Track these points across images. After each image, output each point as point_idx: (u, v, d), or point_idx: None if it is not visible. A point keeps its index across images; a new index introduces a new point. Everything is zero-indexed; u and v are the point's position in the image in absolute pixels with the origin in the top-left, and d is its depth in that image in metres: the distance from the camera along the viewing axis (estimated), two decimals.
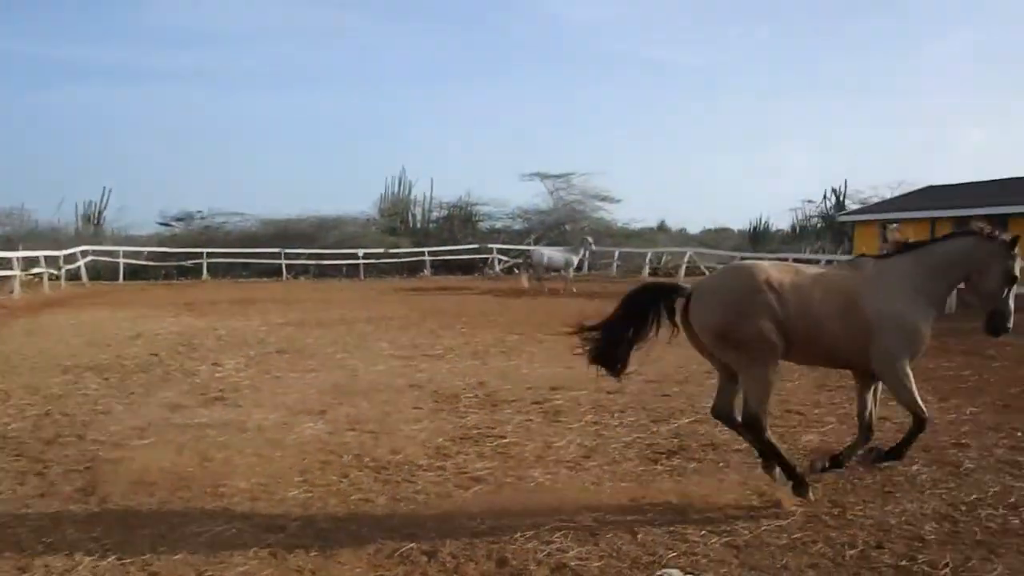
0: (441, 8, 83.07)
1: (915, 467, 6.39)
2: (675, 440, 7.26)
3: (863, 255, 6.13)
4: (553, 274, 25.82)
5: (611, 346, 5.86)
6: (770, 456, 5.66)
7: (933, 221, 27.05)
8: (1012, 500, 5.64)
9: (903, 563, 4.58)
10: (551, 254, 26.50)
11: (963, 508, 5.49)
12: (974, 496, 5.72)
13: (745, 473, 6.24)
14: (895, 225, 24.94)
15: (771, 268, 5.63)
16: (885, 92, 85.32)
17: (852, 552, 4.72)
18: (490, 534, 5.02)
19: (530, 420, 8.05)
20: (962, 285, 5.94)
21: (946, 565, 4.54)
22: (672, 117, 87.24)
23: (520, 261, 35.11)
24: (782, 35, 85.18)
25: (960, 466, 6.48)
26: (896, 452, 5.75)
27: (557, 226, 41.39)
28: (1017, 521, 5.24)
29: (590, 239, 27.63)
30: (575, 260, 26.20)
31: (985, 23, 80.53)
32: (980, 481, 6.09)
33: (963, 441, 7.22)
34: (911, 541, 4.90)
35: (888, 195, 39.08)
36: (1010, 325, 5.69)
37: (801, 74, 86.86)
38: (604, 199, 43.24)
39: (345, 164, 70.66)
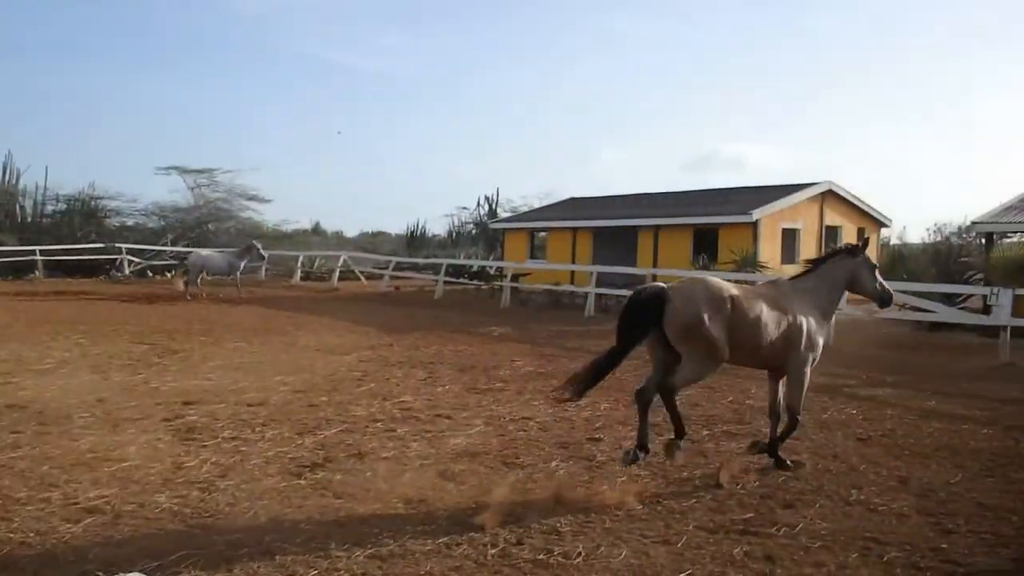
0: None
1: (554, 463, 6.92)
2: (321, 452, 7.13)
3: (780, 277, 7.47)
4: (192, 278, 24.45)
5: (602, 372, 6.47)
6: (674, 417, 6.54)
7: (575, 231, 29.79)
8: (636, 488, 6.30)
9: (540, 557, 4.90)
10: (211, 257, 25.08)
11: (596, 499, 6.01)
12: (605, 487, 6.30)
13: (392, 481, 6.30)
14: None
15: (731, 285, 6.73)
16: (535, 108, 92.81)
17: (494, 551, 4.96)
18: (104, 571, 4.53)
19: (158, 440, 7.44)
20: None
21: (579, 555, 4.93)
22: (337, 118, 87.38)
23: (152, 263, 32.92)
24: (443, 45, 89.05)
25: (594, 459, 7.13)
26: (771, 449, 6.98)
27: (199, 226, 39.24)
28: (641, 507, 5.86)
29: (259, 243, 26.47)
30: (240, 265, 25.06)
31: (614, 57, 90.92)
32: (611, 472, 6.74)
33: (597, 436, 7.97)
34: (548, 535, 5.26)
35: (536, 204, 42.47)
36: (892, 293, 7.71)
37: (465, 85, 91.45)
38: (253, 198, 41.83)
39: None
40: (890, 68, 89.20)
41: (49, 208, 37.74)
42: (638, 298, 6.60)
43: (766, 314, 6.65)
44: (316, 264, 36.00)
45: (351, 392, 9.86)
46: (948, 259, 25.36)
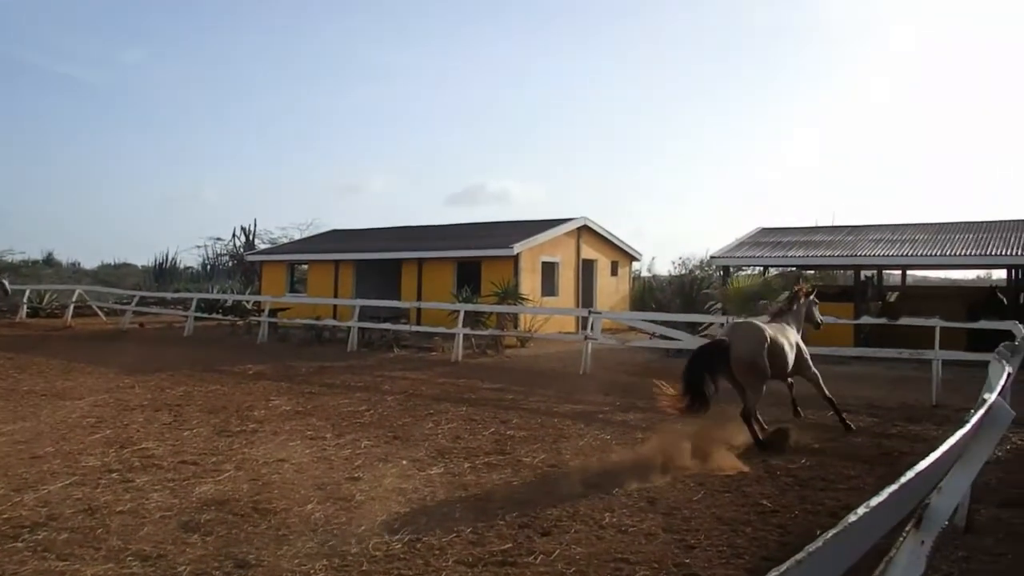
0: None
1: (309, 506, 6.68)
2: (43, 509, 6.44)
3: (776, 317, 10.43)
4: None
5: (700, 393, 8.88)
6: (752, 431, 9.22)
7: (337, 263, 29.37)
8: (396, 526, 6.22)
9: None
10: None
11: (354, 540, 5.87)
12: (363, 527, 6.17)
13: (127, 537, 5.81)
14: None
15: (766, 327, 9.59)
16: (300, 136, 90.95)
17: None
18: None
19: None
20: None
21: None
22: (73, 137, 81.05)
23: None
24: (196, 62, 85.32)
25: (352, 499, 6.96)
26: (842, 422, 10.23)
27: None
28: (400, 545, 5.78)
29: (6, 278, 23.62)
30: None
31: (382, 83, 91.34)
32: (370, 512, 6.61)
33: (356, 475, 7.80)
34: None
35: (297, 236, 41.51)
36: (823, 321, 11.52)
37: (222, 107, 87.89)
38: None
39: None
40: (654, 111, 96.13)
41: None
42: (708, 347, 9.46)
43: (786, 344, 9.67)
44: (47, 299, 32.88)
45: (83, 441, 9.03)
46: (691, 290, 27.48)
